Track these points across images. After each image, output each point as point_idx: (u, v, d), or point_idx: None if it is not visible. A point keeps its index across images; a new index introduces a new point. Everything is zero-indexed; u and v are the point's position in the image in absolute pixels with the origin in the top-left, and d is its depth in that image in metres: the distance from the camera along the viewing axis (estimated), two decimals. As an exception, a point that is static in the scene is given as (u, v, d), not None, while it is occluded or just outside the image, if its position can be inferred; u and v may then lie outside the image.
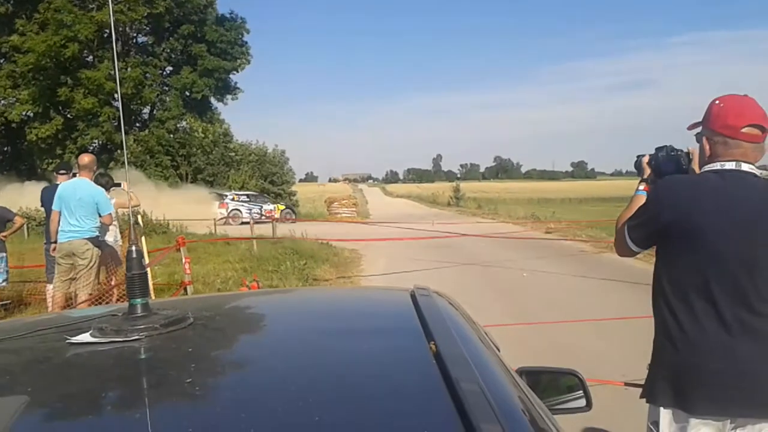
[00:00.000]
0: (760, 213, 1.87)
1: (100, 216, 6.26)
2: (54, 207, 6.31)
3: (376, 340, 1.25)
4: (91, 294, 6.12)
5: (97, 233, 6.32)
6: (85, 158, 6.54)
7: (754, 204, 1.88)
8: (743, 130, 1.89)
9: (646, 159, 2.30)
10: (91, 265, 6.21)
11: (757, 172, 1.92)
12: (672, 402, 1.94)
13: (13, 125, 30.54)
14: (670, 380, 1.95)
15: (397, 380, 1.03)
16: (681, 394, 1.92)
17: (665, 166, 2.20)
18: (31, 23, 29.54)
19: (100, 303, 6.24)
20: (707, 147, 1.98)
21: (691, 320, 1.90)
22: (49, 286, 6.85)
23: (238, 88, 36.63)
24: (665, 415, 1.97)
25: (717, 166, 1.94)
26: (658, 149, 2.28)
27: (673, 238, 1.96)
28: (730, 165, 1.91)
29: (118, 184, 7.19)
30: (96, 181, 6.53)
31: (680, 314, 1.92)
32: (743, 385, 1.85)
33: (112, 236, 6.94)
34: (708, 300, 1.88)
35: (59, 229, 6.23)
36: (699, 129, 2.04)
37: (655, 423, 1.99)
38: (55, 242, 6.29)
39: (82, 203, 6.16)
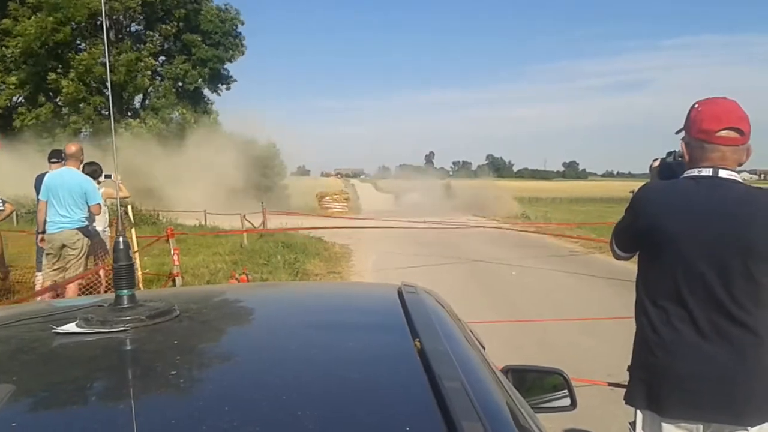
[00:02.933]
0: (735, 220, 1.84)
1: (88, 206, 6.21)
2: (41, 197, 6.22)
3: (361, 336, 1.26)
4: (79, 284, 6.08)
5: (86, 223, 6.26)
6: (72, 147, 6.45)
7: (728, 211, 1.85)
8: (719, 134, 1.87)
9: (656, 163, 2.30)
10: (81, 255, 6.17)
11: (738, 177, 1.89)
12: (646, 404, 1.96)
13: (0, 110, 30.22)
14: (645, 383, 1.96)
15: (380, 376, 1.04)
16: (655, 397, 1.93)
17: (671, 170, 2.19)
18: (23, 7, 29.22)
19: (89, 293, 6.21)
20: (686, 152, 1.97)
21: (666, 325, 1.90)
22: (38, 274, 6.79)
23: (231, 77, 36.55)
24: (640, 416, 1.99)
25: (695, 172, 1.92)
26: (668, 154, 2.28)
27: (648, 244, 1.97)
28: (707, 171, 1.89)
29: (109, 176, 7.11)
30: (83, 170, 6.47)
31: (655, 318, 1.93)
32: (717, 391, 1.85)
33: (100, 226, 6.88)
34: (682, 305, 1.88)
35: (47, 219, 6.14)
36: (683, 134, 2.03)
37: (633, 424, 2.01)
38: (43, 233, 6.22)
39: (70, 193, 6.08)
